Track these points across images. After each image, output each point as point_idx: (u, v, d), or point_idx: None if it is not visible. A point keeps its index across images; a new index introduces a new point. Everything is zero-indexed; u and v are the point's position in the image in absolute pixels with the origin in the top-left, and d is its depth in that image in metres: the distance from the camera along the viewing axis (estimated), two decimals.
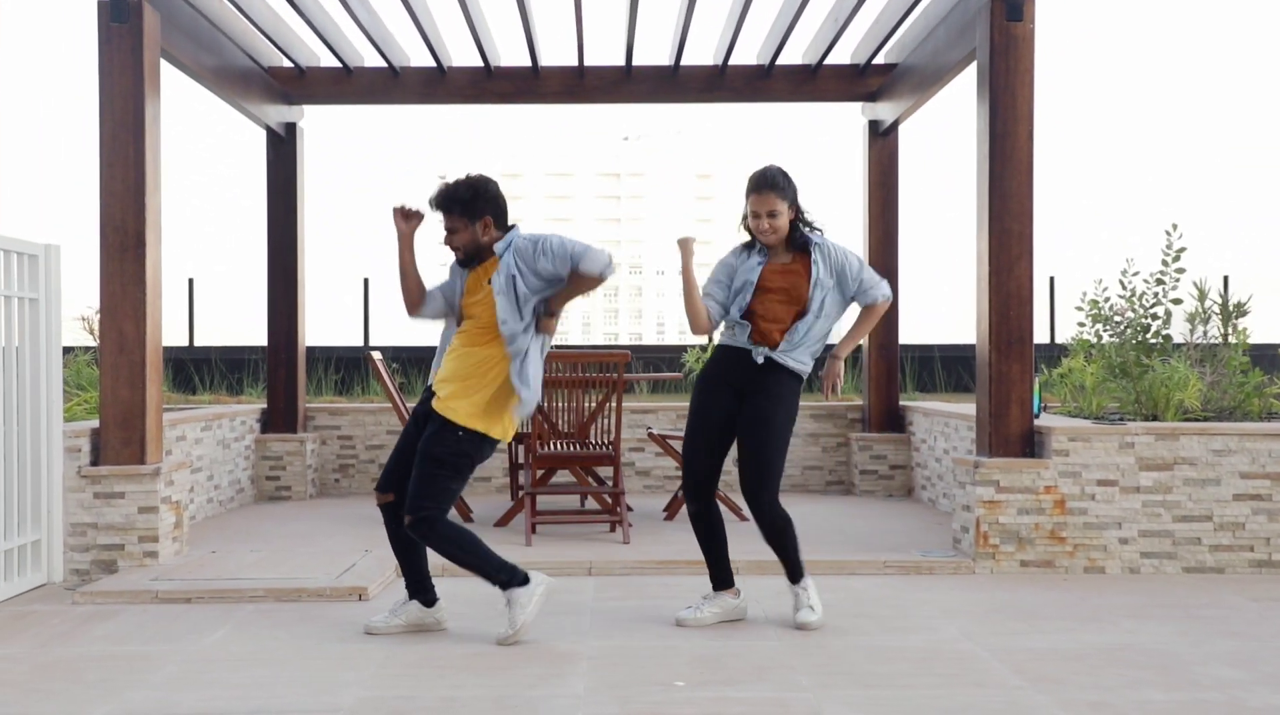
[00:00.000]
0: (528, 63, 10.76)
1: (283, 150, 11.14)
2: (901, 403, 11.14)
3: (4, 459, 6.78)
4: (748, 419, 5.86)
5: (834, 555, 7.61)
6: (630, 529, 8.58)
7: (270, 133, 11.00)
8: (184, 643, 5.77)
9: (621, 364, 8.29)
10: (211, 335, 15.42)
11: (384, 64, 10.72)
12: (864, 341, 11.05)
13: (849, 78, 10.80)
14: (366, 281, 15.89)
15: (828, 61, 10.67)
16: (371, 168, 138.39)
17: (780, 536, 5.97)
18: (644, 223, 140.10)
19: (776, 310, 5.89)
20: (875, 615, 6.22)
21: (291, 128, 11.14)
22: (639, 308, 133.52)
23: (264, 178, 11.33)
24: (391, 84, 10.96)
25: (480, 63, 10.70)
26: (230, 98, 9.61)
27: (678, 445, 9.85)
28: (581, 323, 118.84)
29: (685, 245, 6.08)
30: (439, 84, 10.95)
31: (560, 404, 8.66)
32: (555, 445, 8.63)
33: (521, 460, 10.09)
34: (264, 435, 10.94)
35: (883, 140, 10.95)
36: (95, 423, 7.83)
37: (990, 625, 6.04)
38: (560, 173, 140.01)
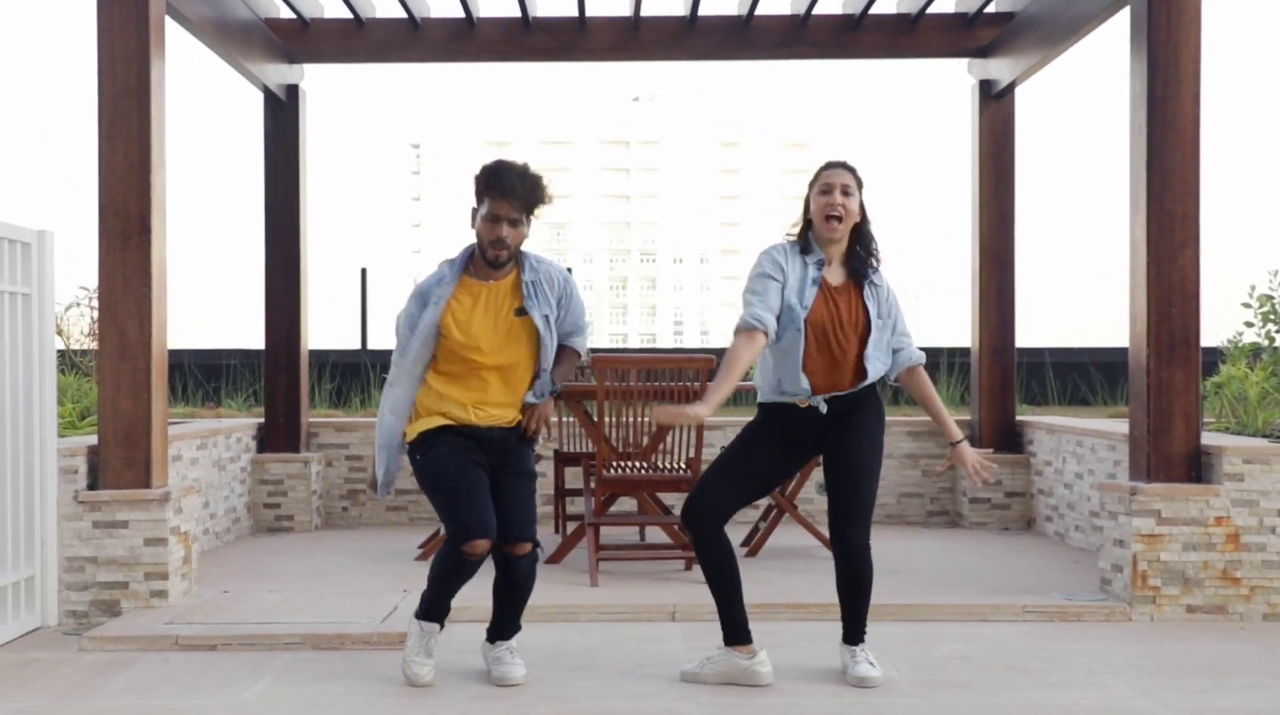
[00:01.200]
0: (573, 12, 10.94)
1: (282, 118, 11.31)
2: (1019, 418, 11.29)
3: None
4: (834, 456, 6.04)
5: (960, 599, 7.76)
6: None
7: (269, 96, 11.17)
8: (221, 696, 5.94)
9: (705, 371, 8.45)
10: (183, 336, 15.62)
11: (402, 14, 10.88)
12: (974, 345, 11.22)
13: (954, 29, 10.99)
14: (364, 273, 16.05)
15: (930, 10, 10.83)
16: (355, 137, 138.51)
17: (863, 587, 6.15)
18: (658, 200, 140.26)
19: (834, 353, 6.00)
20: (1024, 669, 6.37)
21: (293, 90, 11.32)
22: (652, 303, 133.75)
23: (248, 152, 11.51)
24: (410, 38, 11.14)
25: (516, 12, 10.87)
26: (229, 54, 9.79)
27: None
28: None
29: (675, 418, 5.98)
30: (466, 38, 11.12)
31: (623, 418, 8.80)
32: (622, 468, 8.78)
33: (566, 485, 10.27)
34: (262, 455, 11.12)
35: (996, 104, 11.12)
36: (92, 439, 8.00)
37: (1166, 681, 6.19)
38: (557, 141, 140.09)
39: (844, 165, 6.03)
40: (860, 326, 5.97)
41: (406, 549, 9.86)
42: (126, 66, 7.77)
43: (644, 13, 10.89)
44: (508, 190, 5.91)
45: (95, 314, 11.77)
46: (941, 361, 14.38)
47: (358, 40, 11.16)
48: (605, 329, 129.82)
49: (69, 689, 6.09)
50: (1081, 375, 14.39)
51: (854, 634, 6.18)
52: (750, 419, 6.30)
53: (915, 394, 6.28)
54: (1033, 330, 14.69)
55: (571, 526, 10.33)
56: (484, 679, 6.21)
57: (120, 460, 7.67)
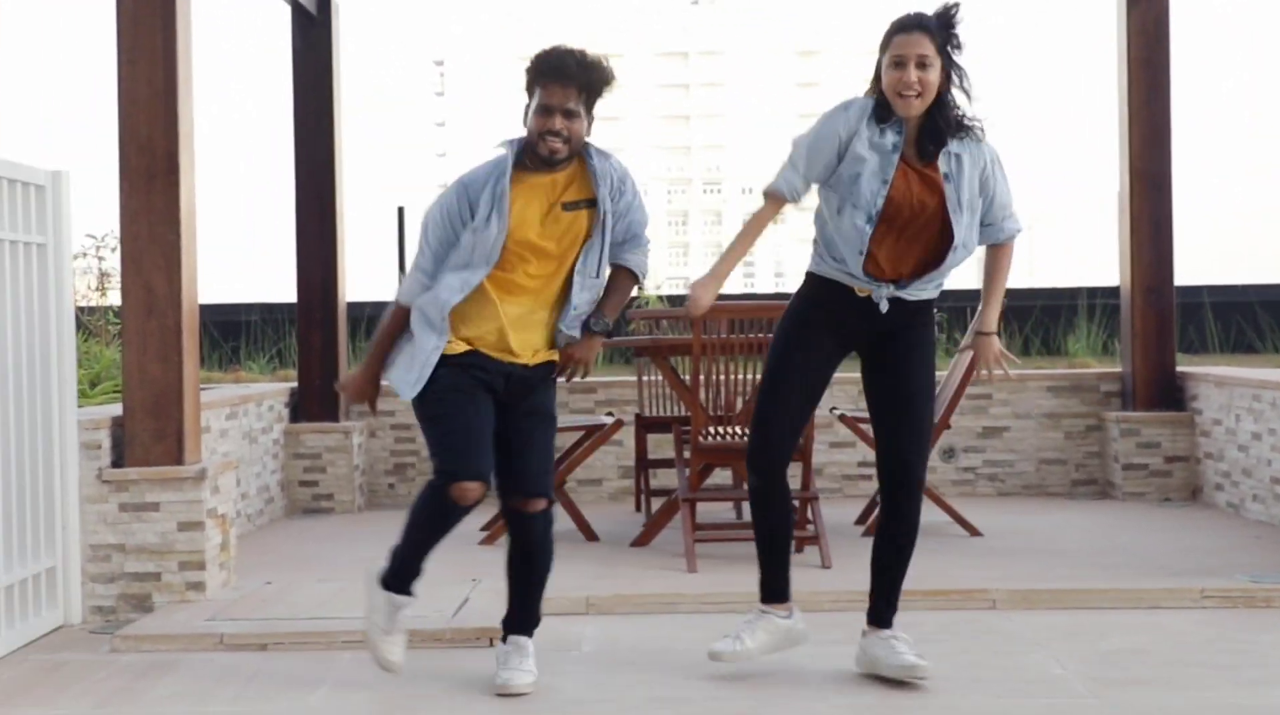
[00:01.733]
0: None
1: (313, 35, 11.41)
2: (1179, 369, 11.34)
3: (9, 456, 7.05)
4: (888, 371, 6.10)
5: (1126, 583, 7.82)
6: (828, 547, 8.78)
7: (298, 10, 11.25)
8: (280, 703, 6.07)
9: None
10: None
11: None
12: (1124, 284, 11.23)
13: None
14: (401, 212, 16.16)
15: None
16: (371, 53, 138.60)
17: (909, 546, 6.23)
18: (723, 120, 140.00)
19: (908, 235, 5.98)
20: (1212, 663, 6.40)
21: (326, 5, 11.40)
22: (717, 240, 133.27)
23: (270, 76, 11.60)
24: None
25: None
26: None
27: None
28: None
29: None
30: None
31: (719, 377, 8.85)
32: (720, 434, 8.85)
33: (649, 455, 10.34)
34: (296, 424, 11.26)
35: (1147, 1, 11.10)
36: (113, 409, 8.14)
37: None
38: (604, 52, 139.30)
39: (920, 24, 5.85)
40: (937, 211, 5.93)
41: (467, 531, 9.87)
42: None
43: None
44: (562, 73, 5.89)
45: (102, 265, 11.94)
46: (1080, 304, 14.38)
47: None
48: (664, 272, 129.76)
49: (110, 695, 6.23)
50: (1247, 317, 14.37)
51: (888, 613, 6.25)
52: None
53: (987, 267, 6.27)
54: (1188, 266, 14.64)
55: (656, 504, 10.38)
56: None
57: (149, 432, 7.80)
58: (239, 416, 10.15)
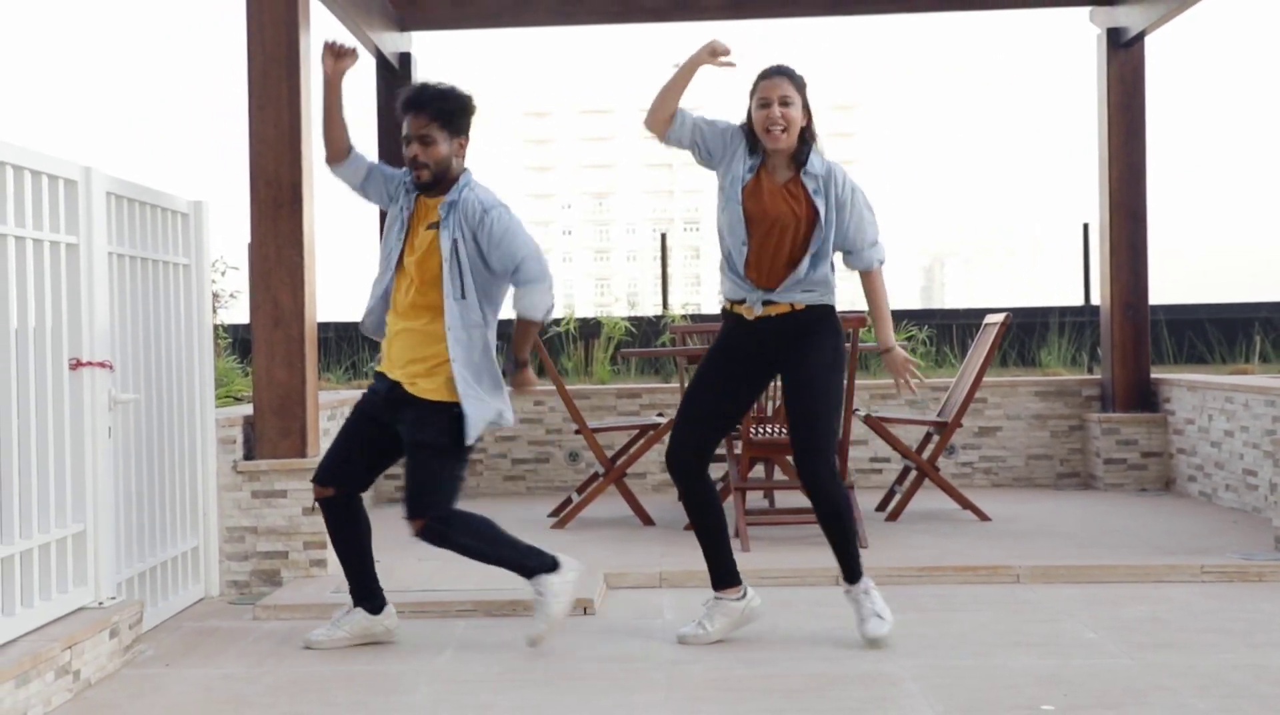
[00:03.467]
0: None
1: (395, 85, 11.37)
2: (1154, 376, 11.30)
3: (160, 451, 7.03)
4: (788, 380, 6.13)
5: (1132, 559, 7.78)
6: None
7: (382, 64, 11.25)
8: (414, 662, 6.04)
9: (856, 329, 8.49)
10: None
11: None
12: (1104, 301, 11.24)
13: None
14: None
15: None
16: None
17: (839, 519, 6.16)
18: (701, 169, 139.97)
19: (769, 243, 6.05)
20: (1225, 629, 6.36)
21: (406, 58, 11.42)
22: (696, 273, 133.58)
23: (365, 117, 11.58)
24: (521, 4, 11.22)
25: None
26: (353, 22, 9.87)
27: (898, 431, 10.08)
28: (627, 293, 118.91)
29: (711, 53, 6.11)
30: (578, 1, 11.19)
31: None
32: (766, 431, 8.85)
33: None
34: None
35: (1125, 53, 11.11)
36: (247, 410, 8.11)
37: None
38: (597, 109, 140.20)
39: (780, 71, 6.06)
40: (805, 223, 6.03)
41: (535, 517, 9.94)
42: (275, 35, 7.84)
43: None
44: (414, 104, 5.92)
45: (214, 287, 11.88)
46: (1052, 321, 14.38)
47: (469, 7, 11.26)
48: (650, 298, 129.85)
49: (263, 656, 6.19)
50: (1198, 333, 14.38)
51: (851, 571, 6.21)
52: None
53: (867, 295, 6.30)
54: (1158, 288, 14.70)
55: None
56: (373, 639, 6.41)
57: (276, 430, 7.77)
58: (337, 417, 10.10)
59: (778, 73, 6.06)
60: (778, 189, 6.06)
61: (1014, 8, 11.03)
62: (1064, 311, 14.67)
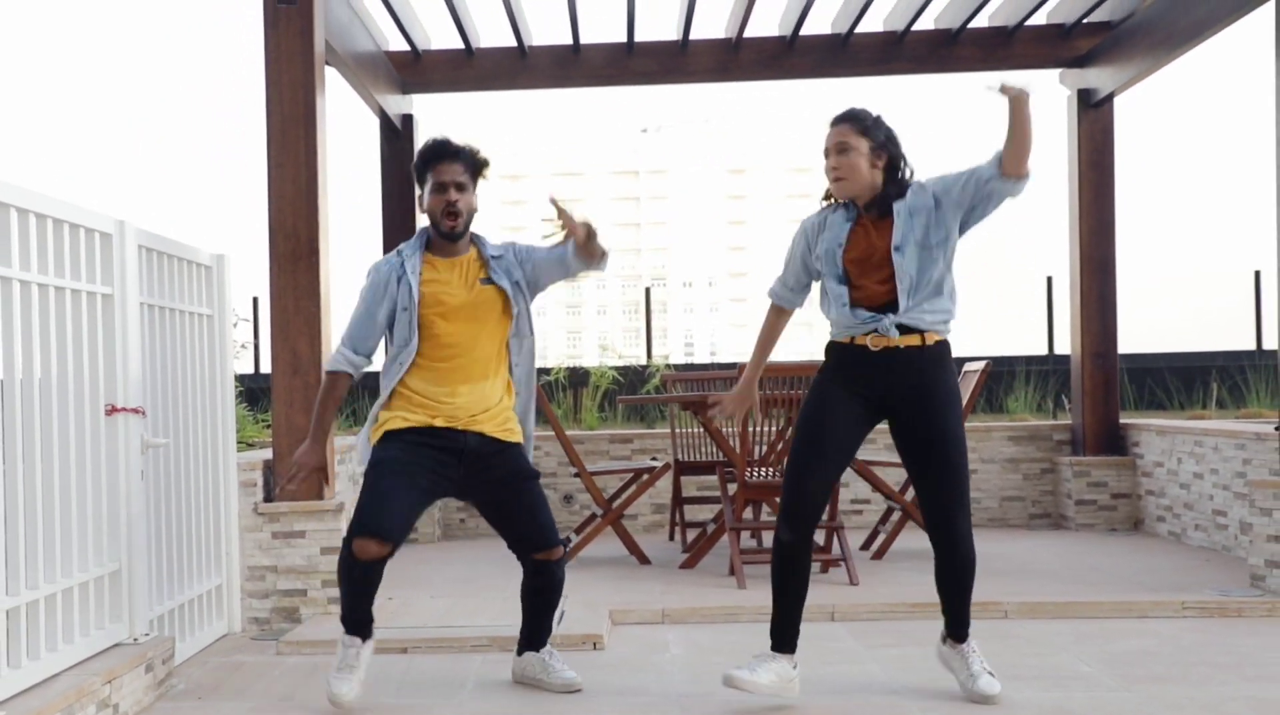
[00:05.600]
0: (674, 36, 11.01)
1: (397, 145, 11.38)
2: (1122, 421, 11.30)
3: (187, 494, 6.96)
4: (916, 433, 5.60)
5: (1115, 595, 7.74)
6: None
7: (385, 125, 11.24)
8: (435, 697, 5.96)
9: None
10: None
11: (511, 42, 10.96)
12: (1074, 349, 11.24)
13: (1050, 41, 11.03)
14: None
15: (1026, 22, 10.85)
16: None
17: (967, 577, 5.75)
18: (668, 227, 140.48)
19: (878, 276, 5.60)
20: (1216, 662, 6.31)
21: (408, 120, 11.40)
22: (664, 326, 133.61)
23: (368, 175, 11.58)
24: (517, 66, 11.22)
25: (622, 37, 10.93)
26: (360, 85, 9.87)
27: (881, 473, 10.03)
28: (598, 346, 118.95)
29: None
30: (572, 64, 11.22)
31: (761, 428, 8.81)
32: (761, 473, 8.81)
33: (683, 494, 10.29)
34: None
35: (1095, 113, 11.16)
36: (267, 454, 8.04)
37: None
38: (569, 172, 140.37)
39: (840, 118, 5.66)
40: (886, 256, 5.57)
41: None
42: (293, 96, 7.82)
43: (746, 33, 10.90)
44: (447, 154, 5.71)
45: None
46: (1019, 369, 14.39)
47: (466, 70, 11.25)
48: (621, 350, 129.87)
49: (291, 689, 6.12)
50: (1157, 380, 14.39)
51: (962, 628, 5.79)
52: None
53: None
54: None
55: (689, 534, 10.40)
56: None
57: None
58: (346, 462, 10.03)
59: (837, 120, 5.66)
60: (873, 227, 5.63)
61: (987, 69, 11.06)
62: (1029, 360, 14.67)
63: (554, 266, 5.89)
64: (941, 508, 5.62)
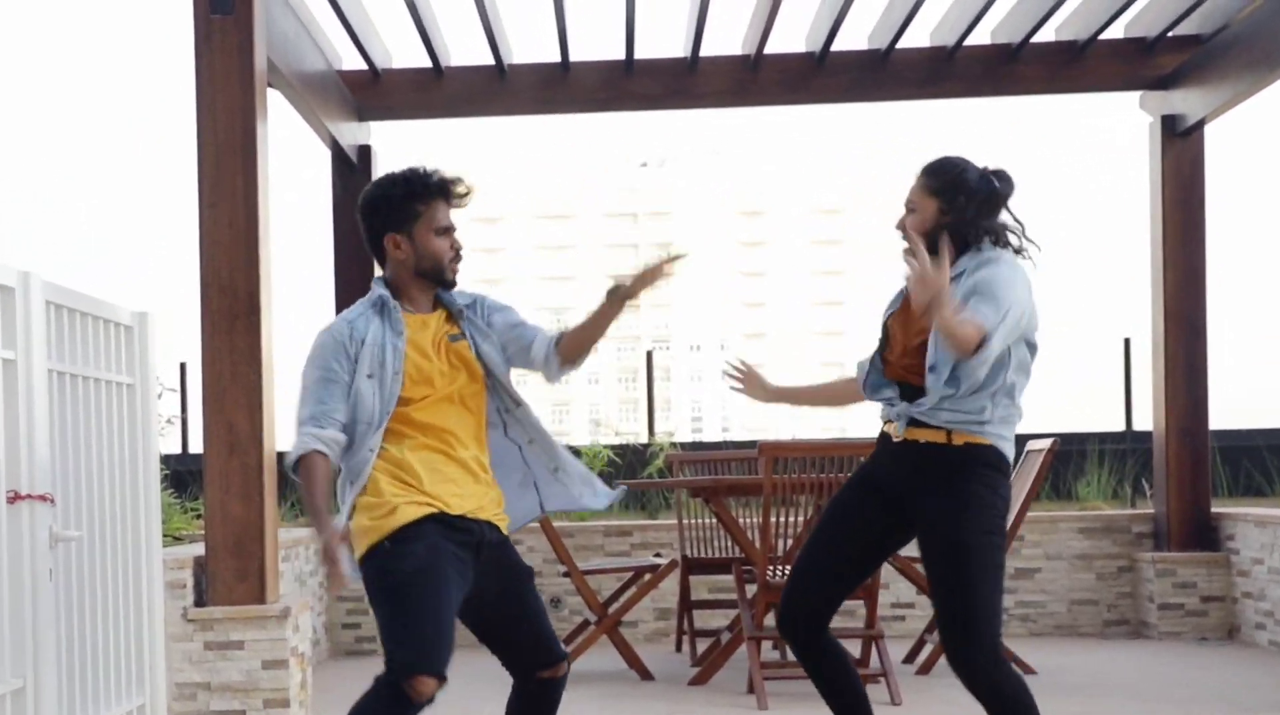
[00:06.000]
0: (682, 52, 11.08)
1: (353, 182, 11.39)
2: (1214, 510, 11.36)
3: (103, 596, 6.93)
4: (926, 540, 5.57)
5: None
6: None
7: (338, 157, 11.29)
8: None
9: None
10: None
11: (488, 60, 11.02)
12: (1157, 425, 11.25)
13: (1129, 58, 11.13)
14: None
15: (1101, 36, 10.88)
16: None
17: (998, 711, 5.49)
18: (672, 279, 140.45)
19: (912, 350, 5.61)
20: None
21: (365, 152, 11.48)
22: (667, 397, 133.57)
23: (319, 217, 11.62)
24: (494, 88, 11.29)
25: (620, 54, 11.00)
26: (309, 111, 9.92)
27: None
28: (590, 419, 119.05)
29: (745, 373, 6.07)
30: (559, 86, 11.30)
31: (785, 517, 8.78)
32: (786, 571, 8.79)
33: (692, 596, 10.27)
34: None
35: (1182, 143, 11.22)
36: (197, 550, 8.05)
37: None
38: (555, 215, 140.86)
39: (925, 169, 5.72)
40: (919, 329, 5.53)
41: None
42: (229, 123, 7.88)
43: (767, 50, 10.95)
44: (444, 189, 5.46)
45: None
46: (1090, 448, 14.37)
47: (434, 92, 11.33)
48: (617, 426, 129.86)
49: None
50: (1255, 461, 14.38)
51: None
52: None
53: None
54: (1234, 410, 14.69)
55: (700, 644, 10.34)
56: None
57: (231, 572, 7.73)
58: (291, 559, 10.04)
59: (923, 172, 5.70)
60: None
61: (1050, 93, 11.13)
62: (1103, 437, 14.66)
63: (518, 349, 5.66)
64: (944, 636, 5.52)
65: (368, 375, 5.38)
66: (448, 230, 5.47)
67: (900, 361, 5.64)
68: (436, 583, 5.19)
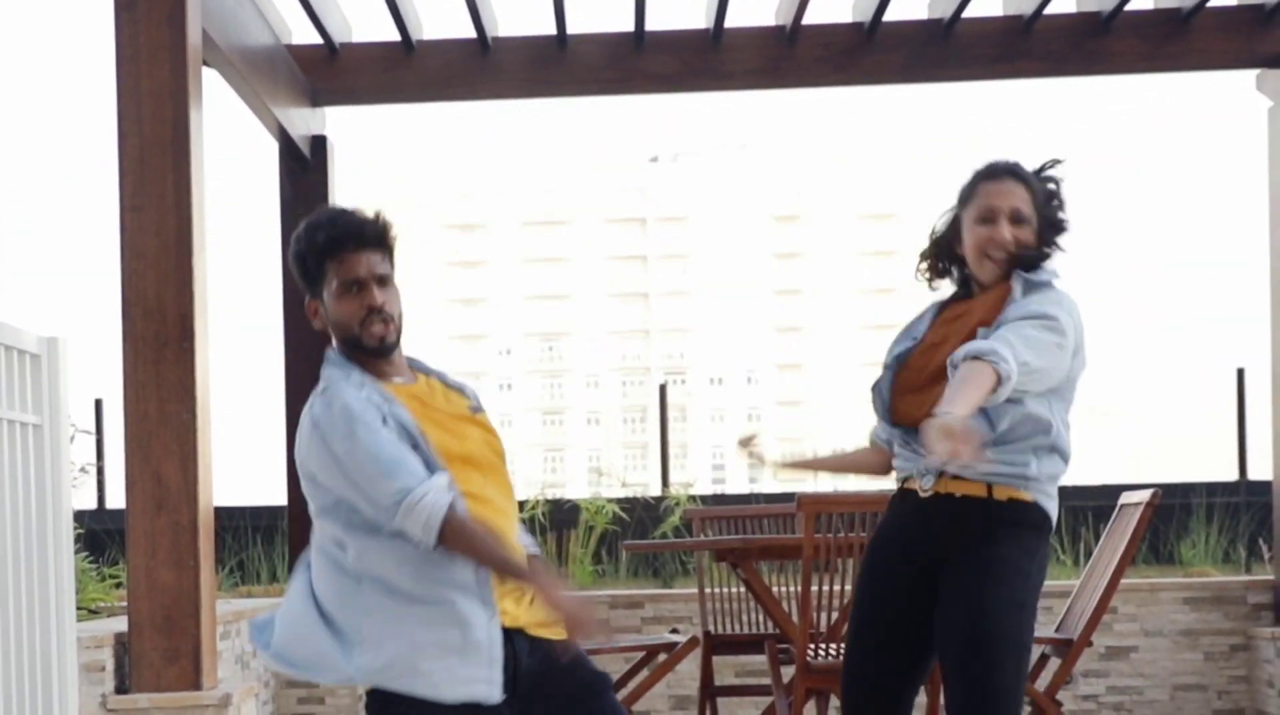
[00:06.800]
0: (703, 24, 11.11)
1: (305, 181, 11.42)
2: None
3: (6, 680, 6.93)
4: (947, 610, 5.63)
5: None
6: None
7: (287, 150, 11.28)
8: None
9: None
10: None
11: (470, 32, 11.02)
12: (1275, 475, 11.25)
13: (1243, 29, 11.09)
14: None
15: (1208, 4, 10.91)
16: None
17: None
18: (688, 299, 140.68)
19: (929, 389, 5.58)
20: None
21: (320, 144, 11.47)
22: (683, 441, 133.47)
23: (264, 224, 11.64)
24: (477, 66, 11.29)
25: (628, 25, 11.03)
26: (252, 95, 9.94)
27: None
28: (590, 469, 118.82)
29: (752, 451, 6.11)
30: (554, 64, 11.30)
31: (828, 586, 8.80)
32: (829, 650, 8.79)
33: (715, 681, 10.26)
34: None
35: None
36: (120, 625, 8.05)
37: None
38: (546, 220, 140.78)
39: (1013, 171, 5.70)
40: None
41: None
42: (157, 111, 7.90)
43: (805, 19, 10.97)
44: (355, 238, 5.26)
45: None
46: (1197, 502, 14.34)
47: (403, 72, 11.33)
48: (623, 477, 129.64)
49: None
50: None
51: None
52: None
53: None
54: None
55: None
56: None
57: (160, 653, 7.73)
58: (230, 636, 10.02)
59: (1009, 173, 5.68)
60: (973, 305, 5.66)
61: (1148, 71, 11.14)
62: (1210, 488, 14.63)
63: None
64: None
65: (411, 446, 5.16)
66: (358, 284, 5.24)
67: (919, 408, 5.51)
68: None
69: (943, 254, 5.81)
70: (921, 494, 5.61)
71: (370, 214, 5.31)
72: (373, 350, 5.24)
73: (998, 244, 5.57)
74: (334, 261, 5.22)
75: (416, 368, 5.45)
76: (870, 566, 5.84)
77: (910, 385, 5.67)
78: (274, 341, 11.54)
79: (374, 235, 5.25)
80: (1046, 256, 5.69)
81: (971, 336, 5.49)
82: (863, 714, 5.71)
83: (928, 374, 5.61)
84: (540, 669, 5.16)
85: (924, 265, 5.88)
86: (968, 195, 5.71)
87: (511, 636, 5.08)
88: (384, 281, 5.25)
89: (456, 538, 4.96)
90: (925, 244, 5.90)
